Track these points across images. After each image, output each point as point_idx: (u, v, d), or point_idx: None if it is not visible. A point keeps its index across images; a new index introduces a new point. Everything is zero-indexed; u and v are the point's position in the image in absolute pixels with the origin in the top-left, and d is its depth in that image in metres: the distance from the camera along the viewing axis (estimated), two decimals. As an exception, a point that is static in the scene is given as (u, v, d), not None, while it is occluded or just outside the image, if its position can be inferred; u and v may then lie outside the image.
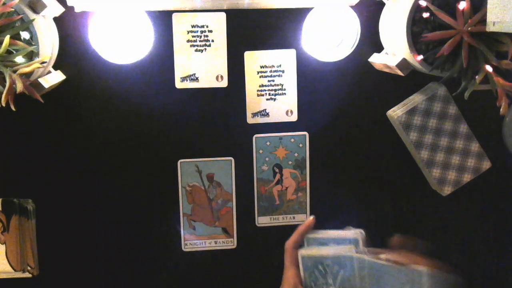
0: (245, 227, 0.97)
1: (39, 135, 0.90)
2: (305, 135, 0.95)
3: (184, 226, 0.96)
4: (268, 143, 0.95)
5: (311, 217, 0.82)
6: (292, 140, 0.95)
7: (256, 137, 0.94)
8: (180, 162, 0.93)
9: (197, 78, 0.92)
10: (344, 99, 0.95)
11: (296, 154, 0.95)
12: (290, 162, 0.96)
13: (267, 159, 0.95)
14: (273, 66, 0.93)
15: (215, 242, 0.97)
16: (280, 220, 0.97)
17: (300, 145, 0.95)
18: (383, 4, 0.89)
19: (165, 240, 0.96)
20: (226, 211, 0.96)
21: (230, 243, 0.97)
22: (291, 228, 0.95)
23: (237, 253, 0.98)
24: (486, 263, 1.03)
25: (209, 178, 0.95)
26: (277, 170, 0.96)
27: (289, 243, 0.78)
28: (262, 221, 0.97)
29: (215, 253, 0.97)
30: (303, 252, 0.74)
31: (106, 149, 0.92)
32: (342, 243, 0.75)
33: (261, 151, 0.95)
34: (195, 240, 0.96)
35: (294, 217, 0.98)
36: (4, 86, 0.72)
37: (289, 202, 0.97)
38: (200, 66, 0.91)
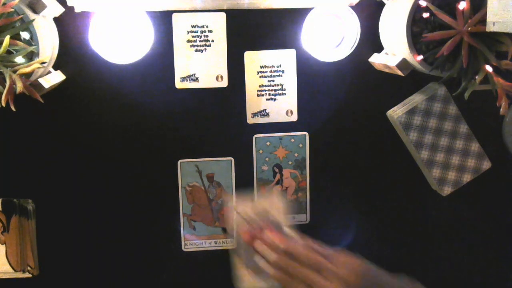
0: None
1: (39, 135, 0.90)
2: (305, 135, 0.95)
3: (184, 226, 0.96)
4: (268, 143, 0.95)
5: None
6: (292, 140, 0.95)
7: (256, 137, 0.94)
8: (180, 162, 0.93)
9: (197, 78, 0.92)
10: (344, 99, 0.95)
11: (296, 154, 0.95)
12: (290, 162, 0.96)
13: (267, 159, 0.95)
14: (273, 66, 0.93)
15: (215, 242, 0.97)
16: None
17: (300, 145, 0.95)
18: (383, 4, 0.89)
19: (165, 240, 0.96)
20: (226, 211, 0.96)
21: (230, 243, 0.97)
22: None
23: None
24: (486, 263, 1.03)
25: (209, 178, 0.95)
26: (277, 170, 0.96)
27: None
28: None
29: (215, 253, 0.97)
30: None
31: (106, 149, 0.92)
32: None
33: (261, 151, 0.95)
34: (195, 240, 0.96)
35: (294, 217, 0.98)
36: (4, 86, 0.72)
37: (289, 202, 0.97)
38: (200, 66, 0.91)
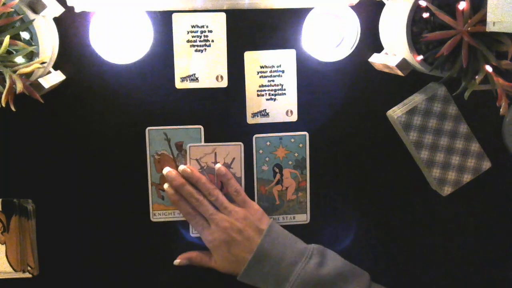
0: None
1: (39, 135, 0.90)
2: (305, 135, 0.95)
3: (152, 195, 0.94)
4: (268, 143, 0.95)
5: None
6: (292, 140, 0.95)
7: (256, 137, 0.94)
8: (148, 129, 0.91)
9: (197, 78, 0.92)
10: (344, 99, 0.95)
11: (296, 154, 0.95)
12: (290, 162, 0.96)
13: (267, 159, 0.95)
14: (273, 66, 0.93)
15: None
16: (281, 220, 0.97)
17: (300, 145, 0.95)
18: (383, 4, 0.89)
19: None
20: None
21: None
22: (291, 228, 0.95)
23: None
24: (486, 263, 1.03)
25: (178, 147, 0.93)
26: (277, 170, 0.96)
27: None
28: None
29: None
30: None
31: (106, 149, 0.92)
32: None
33: (261, 151, 0.95)
34: (163, 210, 0.95)
35: (294, 217, 0.98)
36: (4, 86, 0.72)
37: (289, 202, 0.97)
38: (200, 66, 0.91)
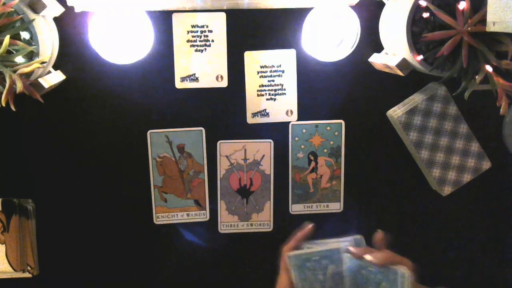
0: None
1: (39, 135, 0.90)
2: (341, 123, 0.95)
3: (155, 198, 0.95)
4: (304, 131, 0.95)
5: (310, 225, 0.80)
6: (328, 128, 0.95)
7: (292, 124, 0.94)
8: (150, 132, 0.92)
9: (197, 78, 0.92)
10: (344, 99, 0.95)
11: (331, 142, 0.95)
12: (325, 150, 0.95)
13: (302, 146, 0.95)
14: (273, 66, 0.93)
15: (187, 215, 0.96)
16: (314, 208, 0.97)
17: (336, 133, 0.95)
18: (383, 4, 0.89)
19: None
20: (197, 182, 0.95)
21: (202, 215, 0.96)
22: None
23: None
24: (486, 263, 1.03)
25: (180, 149, 0.93)
26: (312, 158, 0.96)
27: (286, 248, 0.74)
28: (296, 208, 0.97)
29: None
30: (289, 253, 0.71)
31: (105, 149, 0.92)
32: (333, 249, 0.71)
33: (297, 139, 0.95)
34: (167, 212, 0.95)
35: (327, 205, 0.97)
36: (4, 86, 0.72)
37: (323, 190, 0.97)
38: (200, 66, 0.91)
